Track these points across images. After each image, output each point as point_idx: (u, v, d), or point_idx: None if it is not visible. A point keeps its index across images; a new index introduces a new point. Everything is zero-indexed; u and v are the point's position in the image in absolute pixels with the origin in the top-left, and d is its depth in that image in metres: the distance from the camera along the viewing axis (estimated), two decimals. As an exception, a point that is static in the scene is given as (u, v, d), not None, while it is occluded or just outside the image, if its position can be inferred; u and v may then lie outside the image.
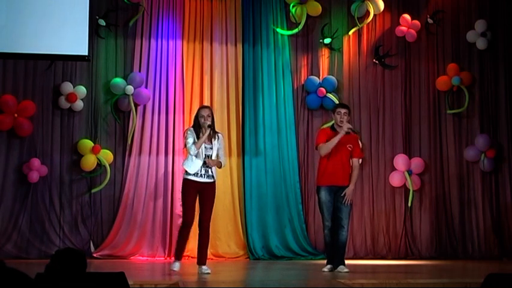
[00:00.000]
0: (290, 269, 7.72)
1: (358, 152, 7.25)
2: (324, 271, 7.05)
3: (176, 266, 6.90)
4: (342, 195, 7.03)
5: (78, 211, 8.88)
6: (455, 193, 9.59)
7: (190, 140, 6.87)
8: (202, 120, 6.88)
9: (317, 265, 8.03)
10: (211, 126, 6.89)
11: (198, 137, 6.85)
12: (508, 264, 8.70)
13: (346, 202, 7.03)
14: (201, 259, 6.92)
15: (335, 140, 7.03)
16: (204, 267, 6.87)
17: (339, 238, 7.05)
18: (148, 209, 8.91)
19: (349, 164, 7.16)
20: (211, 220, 8.88)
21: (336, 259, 7.09)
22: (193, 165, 6.88)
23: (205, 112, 6.95)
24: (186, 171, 6.96)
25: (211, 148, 6.91)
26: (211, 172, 6.94)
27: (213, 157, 6.90)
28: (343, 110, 7.15)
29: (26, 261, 8.07)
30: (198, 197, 6.99)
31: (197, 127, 6.92)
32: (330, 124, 7.37)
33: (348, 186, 7.09)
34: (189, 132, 6.95)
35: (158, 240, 8.88)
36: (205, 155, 6.88)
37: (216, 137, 6.97)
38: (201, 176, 6.90)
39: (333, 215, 7.08)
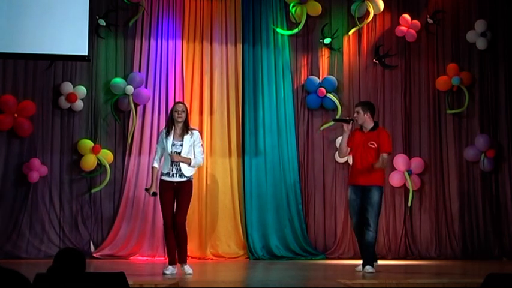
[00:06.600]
0: (290, 269, 7.71)
1: (385, 146, 7.21)
2: (358, 270, 7.10)
3: (168, 270, 6.77)
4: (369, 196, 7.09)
5: (78, 211, 8.88)
6: (455, 193, 9.58)
7: (157, 147, 7.06)
8: (176, 115, 6.94)
9: (317, 265, 8.03)
10: (186, 123, 6.96)
11: (169, 132, 6.91)
12: (508, 264, 8.70)
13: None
14: (181, 258, 6.85)
15: (344, 137, 7.30)
16: (186, 266, 6.81)
17: (365, 238, 7.08)
18: (148, 209, 8.90)
19: (370, 162, 7.12)
20: (211, 220, 8.97)
21: (363, 259, 7.13)
22: (165, 163, 6.92)
23: (179, 107, 7.02)
24: (161, 172, 6.97)
25: (181, 145, 6.89)
26: (183, 171, 6.86)
27: (184, 154, 6.85)
28: (355, 108, 7.41)
29: (26, 261, 8.07)
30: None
31: (171, 122, 7.00)
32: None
33: (371, 186, 7.10)
34: (158, 139, 7.08)
35: (158, 240, 8.86)
36: (173, 151, 6.87)
37: (190, 133, 6.95)
38: (173, 175, 6.87)
39: (361, 216, 7.14)
